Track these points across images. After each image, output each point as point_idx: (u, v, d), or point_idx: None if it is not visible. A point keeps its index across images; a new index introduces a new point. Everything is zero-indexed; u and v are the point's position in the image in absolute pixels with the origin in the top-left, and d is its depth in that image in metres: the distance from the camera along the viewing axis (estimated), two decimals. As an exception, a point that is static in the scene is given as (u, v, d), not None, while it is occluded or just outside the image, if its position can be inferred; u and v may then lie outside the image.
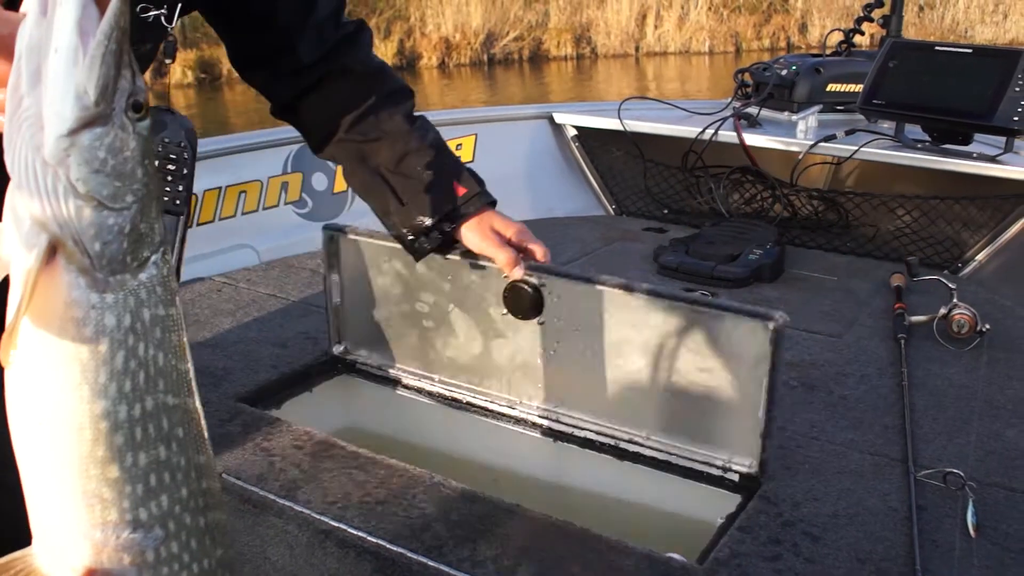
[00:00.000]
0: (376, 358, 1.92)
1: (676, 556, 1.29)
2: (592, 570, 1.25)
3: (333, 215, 2.82)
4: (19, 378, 0.73)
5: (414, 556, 1.27)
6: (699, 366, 1.67)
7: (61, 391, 0.72)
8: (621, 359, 1.73)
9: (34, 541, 0.79)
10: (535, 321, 1.71)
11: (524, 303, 1.68)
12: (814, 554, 1.33)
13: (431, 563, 1.26)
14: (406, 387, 1.88)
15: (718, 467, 1.53)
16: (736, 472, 1.53)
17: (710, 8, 17.24)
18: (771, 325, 1.46)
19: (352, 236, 1.80)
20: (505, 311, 1.70)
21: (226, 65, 10.76)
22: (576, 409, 1.68)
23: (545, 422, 1.73)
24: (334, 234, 1.82)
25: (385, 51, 13.90)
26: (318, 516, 1.37)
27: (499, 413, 1.77)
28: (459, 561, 1.25)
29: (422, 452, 1.88)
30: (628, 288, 1.60)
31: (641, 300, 1.67)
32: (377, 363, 1.92)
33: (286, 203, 2.80)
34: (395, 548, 1.29)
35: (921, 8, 17.00)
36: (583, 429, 1.68)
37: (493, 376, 1.76)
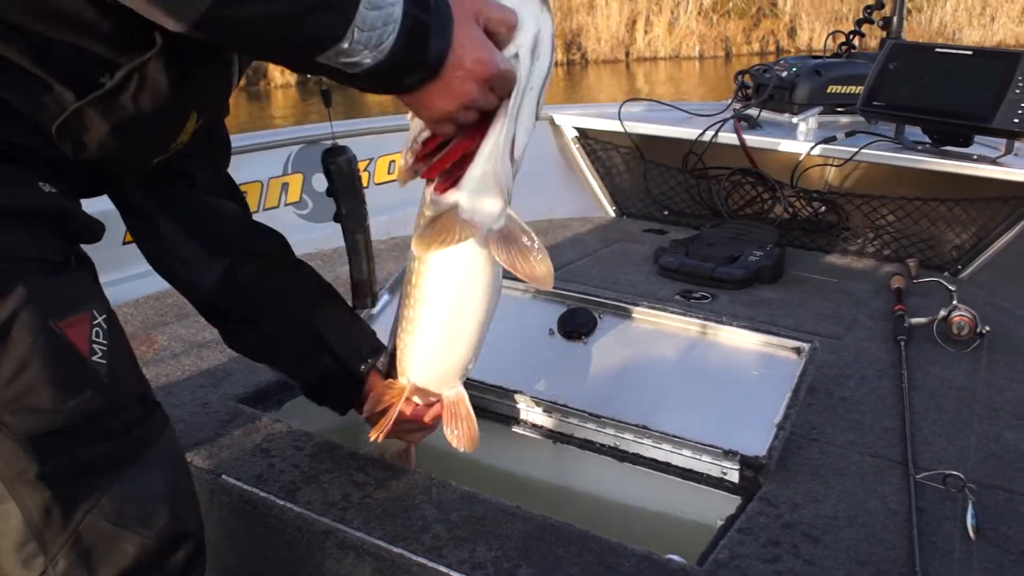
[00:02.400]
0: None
1: (676, 558, 1.29)
2: (591, 572, 1.25)
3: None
4: (449, 268, 1.24)
5: (414, 557, 1.27)
6: (723, 375, 1.70)
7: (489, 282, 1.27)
8: (640, 364, 1.76)
9: (410, 374, 1.33)
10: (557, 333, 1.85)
11: (580, 326, 1.86)
12: (814, 556, 1.33)
13: (431, 564, 1.25)
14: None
15: (723, 455, 1.54)
16: (741, 465, 1.53)
17: (700, 13, 17.27)
18: (806, 349, 1.66)
19: None
20: (553, 331, 1.86)
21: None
22: (577, 410, 1.68)
23: (546, 424, 1.73)
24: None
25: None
26: (318, 517, 1.36)
27: (500, 415, 1.77)
28: (459, 562, 1.25)
29: (422, 453, 1.88)
30: (663, 309, 1.83)
31: (678, 320, 1.75)
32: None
33: (286, 204, 2.80)
34: (395, 549, 1.29)
35: (909, 11, 17.05)
36: (584, 429, 1.69)
37: (495, 379, 1.77)
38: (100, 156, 1.04)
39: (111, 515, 0.99)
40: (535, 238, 1.20)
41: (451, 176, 1.16)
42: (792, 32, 17.53)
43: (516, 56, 1.09)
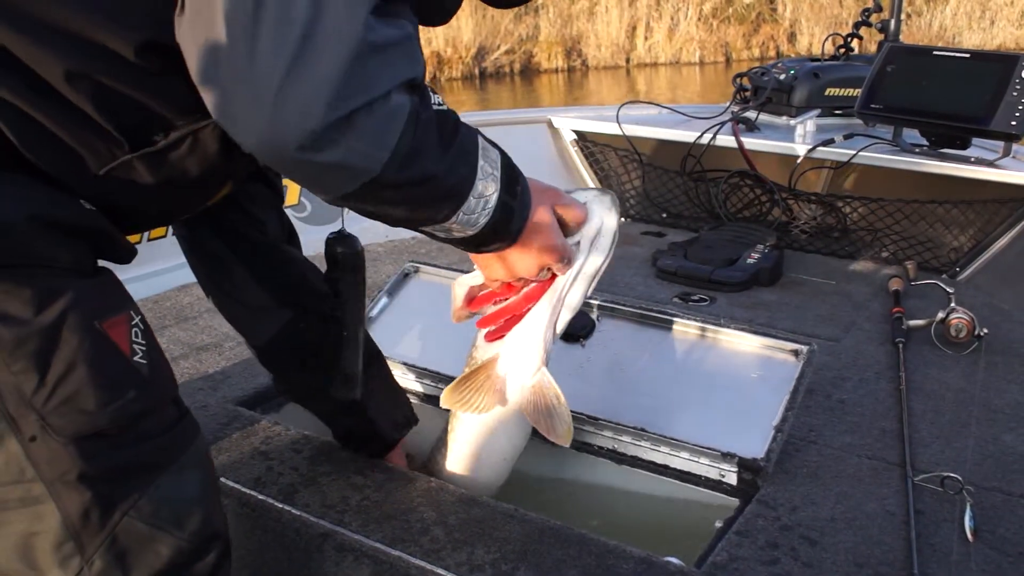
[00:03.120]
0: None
1: (674, 560, 1.29)
2: (590, 574, 1.25)
3: (331, 219, 2.82)
4: None
5: (412, 560, 1.27)
6: (721, 377, 1.70)
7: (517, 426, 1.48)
8: (638, 366, 1.77)
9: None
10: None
11: (578, 328, 1.87)
12: (812, 558, 1.33)
13: (429, 567, 1.26)
14: (405, 391, 1.88)
15: (721, 457, 1.54)
16: (739, 467, 1.53)
17: (700, 19, 17.28)
18: (804, 351, 1.68)
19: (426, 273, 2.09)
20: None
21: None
22: (575, 413, 1.68)
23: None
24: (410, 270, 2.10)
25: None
26: (316, 520, 1.37)
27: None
28: (457, 565, 1.25)
29: (420, 456, 1.89)
30: (662, 312, 1.84)
31: (677, 323, 1.76)
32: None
33: (285, 207, 2.80)
34: (393, 552, 1.29)
35: (908, 15, 17.06)
36: (582, 432, 1.69)
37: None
38: (135, 204, 1.07)
39: (147, 516, 1.00)
40: (563, 402, 1.33)
41: (499, 331, 1.34)
42: (792, 37, 17.53)
43: (577, 244, 1.28)
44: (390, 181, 0.95)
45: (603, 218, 1.31)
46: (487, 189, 1.08)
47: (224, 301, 1.45)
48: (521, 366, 1.34)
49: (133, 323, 1.02)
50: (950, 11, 17.35)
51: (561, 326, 1.35)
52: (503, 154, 1.14)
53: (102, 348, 0.96)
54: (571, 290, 1.31)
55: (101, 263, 1.06)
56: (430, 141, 0.99)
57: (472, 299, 1.37)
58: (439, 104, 1.06)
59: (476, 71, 15.42)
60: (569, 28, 16.53)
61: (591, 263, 1.32)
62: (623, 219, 3.30)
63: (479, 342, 1.39)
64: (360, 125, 0.89)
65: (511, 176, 1.13)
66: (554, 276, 1.29)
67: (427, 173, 1.00)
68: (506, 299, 1.33)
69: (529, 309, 1.32)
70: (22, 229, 0.92)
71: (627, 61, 16.90)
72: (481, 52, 15.43)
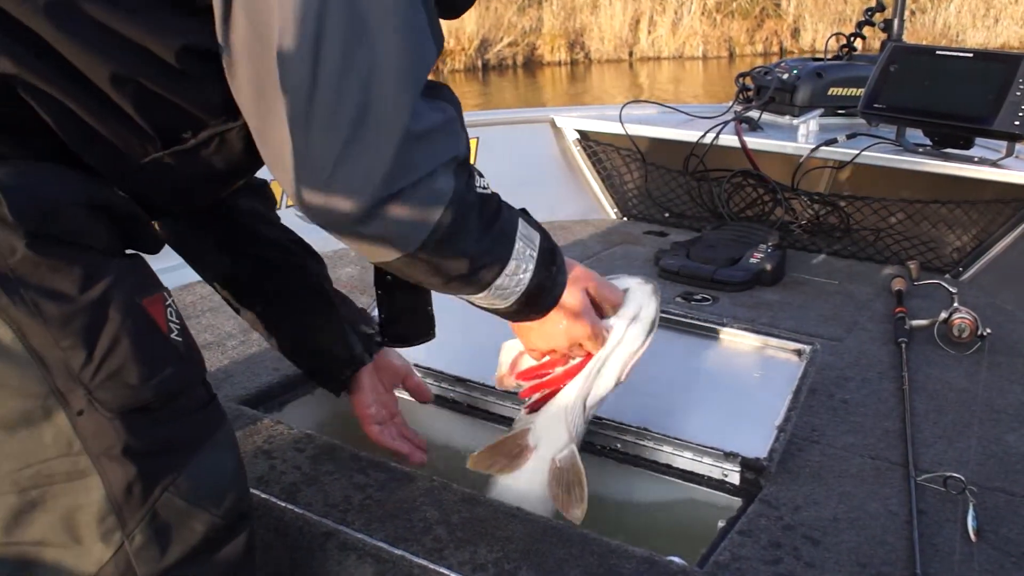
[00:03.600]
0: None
1: (677, 560, 1.29)
2: (592, 573, 1.25)
3: None
4: None
5: (415, 559, 1.27)
6: (724, 377, 1.71)
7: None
8: (641, 366, 1.76)
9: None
10: None
11: None
12: (815, 558, 1.33)
13: (432, 566, 1.26)
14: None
15: (724, 457, 1.54)
16: (742, 467, 1.53)
17: (703, 13, 17.26)
18: (807, 351, 1.69)
19: None
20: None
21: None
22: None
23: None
24: None
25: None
26: (319, 519, 1.37)
27: (500, 416, 1.77)
28: (460, 564, 1.26)
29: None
30: (666, 312, 1.80)
31: (680, 322, 1.75)
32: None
33: (287, 206, 2.80)
34: (396, 551, 1.29)
35: (913, 12, 17.02)
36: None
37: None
38: (161, 195, 1.13)
39: (185, 493, 1.03)
40: (583, 484, 1.38)
41: (537, 404, 1.43)
42: (796, 33, 17.51)
43: (611, 326, 1.36)
44: (425, 257, 1.05)
45: (642, 304, 1.40)
46: (521, 269, 1.18)
47: (181, 248, 1.52)
48: (550, 440, 1.41)
49: (167, 303, 1.06)
50: (954, 9, 17.32)
51: (592, 403, 1.42)
52: (544, 236, 1.23)
53: (143, 325, 1.00)
54: (604, 371, 1.38)
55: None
56: (470, 223, 1.08)
57: (515, 366, 1.47)
58: (484, 188, 1.15)
59: (479, 63, 15.42)
60: (572, 21, 16.54)
61: (626, 346, 1.38)
62: (625, 219, 3.31)
63: (522, 412, 1.47)
64: (402, 205, 0.99)
65: (548, 257, 1.23)
66: (588, 356, 1.37)
67: (462, 253, 1.09)
68: (548, 374, 1.41)
69: (560, 389, 1.40)
70: (72, 210, 0.96)
71: (630, 55, 16.90)
72: (484, 44, 15.43)
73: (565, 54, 16.33)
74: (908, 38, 3.28)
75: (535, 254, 1.20)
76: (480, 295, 1.18)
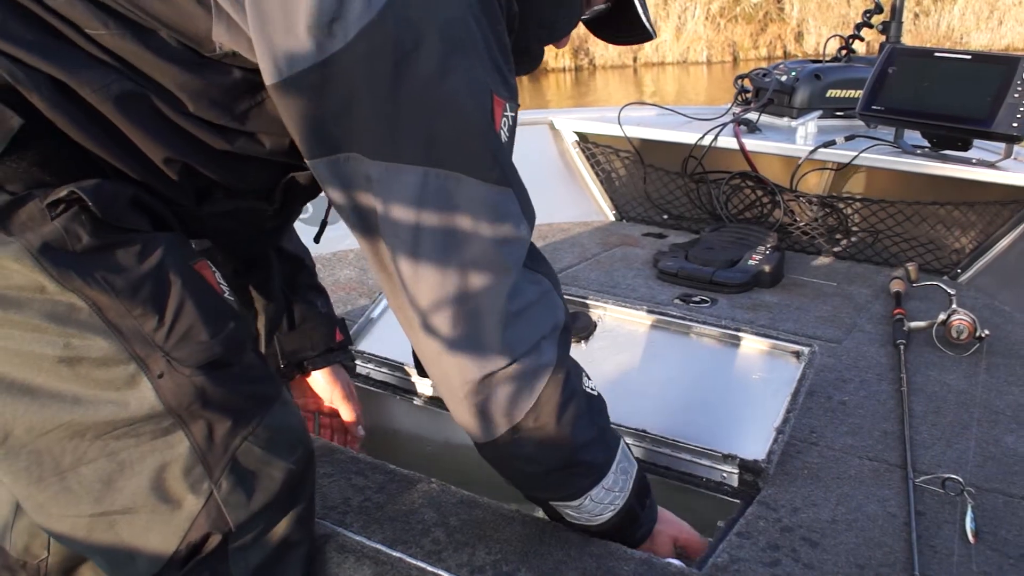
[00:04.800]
0: (377, 363, 1.92)
1: (675, 562, 1.29)
2: None
3: (333, 221, 2.82)
4: None
5: (413, 561, 1.27)
6: (723, 379, 1.70)
7: None
8: (639, 368, 1.76)
9: None
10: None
11: (579, 329, 1.88)
12: (813, 560, 1.33)
13: (430, 568, 1.26)
14: (407, 392, 1.88)
15: (722, 459, 1.54)
16: (740, 469, 1.53)
17: (707, 18, 17.27)
18: (805, 353, 1.68)
19: None
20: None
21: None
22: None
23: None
24: None
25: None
26: (318, 520, 1.37)
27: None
28: (458, 566, 1.26)
29: (422, 457, 1.89)
30: (663, 313, 1.84)
31: (678, 324, 1.75)
32: (378, 368, 1.93)
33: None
34: (394, 553, 1.29)
35: (916, 15, 17.02)
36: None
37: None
38: (205, 233, 1.25)
39: (264, 442, 1.10)
40: None
41: None
42: (799, 36, 17.52)
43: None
44: (528, 433, 1.12)
45: None
46: (617, 486, 1.23)
47: None
48: None
49: (212, 268, 1.12)
50: (958, 11, 17.32)
51: None
52: (639, 469, 1.29)
53: (200, 285, 1.07)
54: None
55: None
56: (577, 405, 1.15)
57: None
58: (592, 388, 1.23)
59: None
60: (577, 27, 16.58)
61: None
62: (624, 221, 3.31)
63: None
64: (510, 376, 1.07)
65: (642, 487, 1.29)
66: None
67: (565, 434, 1.14)
68: None
69: None
70: (123, 201, 1.04)
71: (634, 60, 16.91)
72: None
73: (569, 60, 16.34)
74: (912, 40, 3.29)
75: (631, 479, 1.26)
76: (574, 503, 1.22)
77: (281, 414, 1.14)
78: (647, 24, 1.33)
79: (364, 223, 1.04)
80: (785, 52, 17.35)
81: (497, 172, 1.03)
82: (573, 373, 1.16)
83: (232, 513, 1.07)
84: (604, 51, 16.56)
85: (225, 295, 1.12)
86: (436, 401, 1.84)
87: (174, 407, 1.02)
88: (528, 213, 1.10)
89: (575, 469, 1.18)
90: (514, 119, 1.08)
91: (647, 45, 16.83)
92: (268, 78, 0.99)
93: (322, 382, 1.68)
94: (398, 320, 1.11)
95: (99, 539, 1.04)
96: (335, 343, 1.67)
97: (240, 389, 1.09)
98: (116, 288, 0.99)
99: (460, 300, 1.04)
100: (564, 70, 16.25)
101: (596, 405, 1.22)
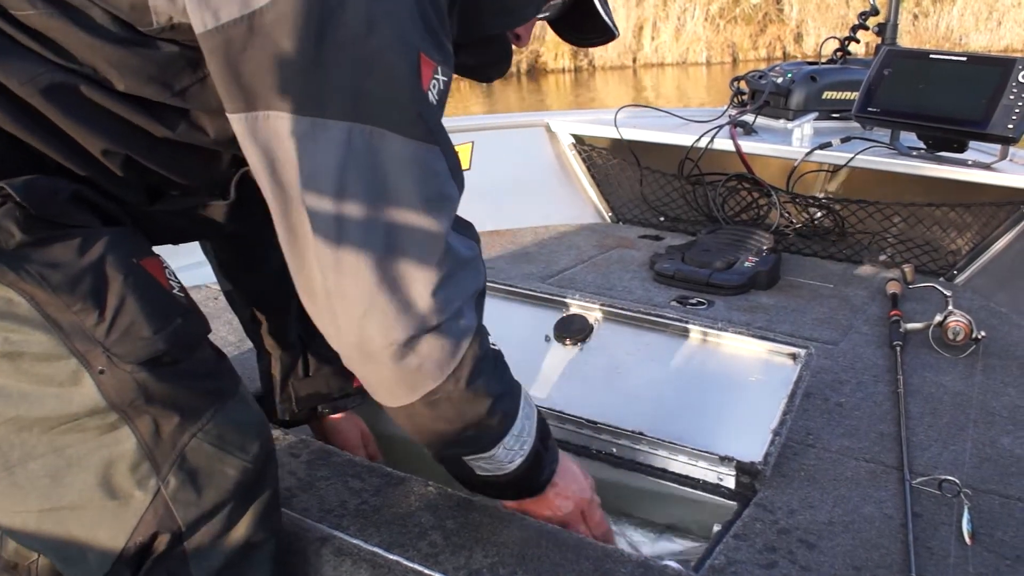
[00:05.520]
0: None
1: (672, 564, 1.29)
2: (588, 578, 1.25)
3: None
4: None
5: (410, 564, 1.27)
6: (719, 381, 1.70)
7: None
8: (636, 370, 1.76)
9: None
10: (553, 338, 1.79)
11: (575, 332, 1.88)
12: (810, 562, 1.33)
13: (427, 571, 1.25)
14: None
15: (719, 461, 1.54)
16: (737, 471, 1.54)
17: (707, 19, 17.29)
18: (802, 354, 1.68)
19: None
20: (550, 336, 1.88)
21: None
22: (573, 416, 1.68)
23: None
24: None
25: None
26: (314, 524, 1.36)
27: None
28: (455, 569, 1.25)
29: (419, 460, 1.88)
30: (659, 315, 1.85)
31: (675, 326, 1.75)
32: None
33: None
34: (391, 556, 1.29)
35: (916, 16, 17.02)
36: (579, 435, 1.69)
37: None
38: (159, 234, 1.21)
39: (215, 439, 1.09)
40: None
41: None
42: (799, 38, 17.52)
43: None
44: (450, 392, 1.11)
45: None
46: (524, 431, 1.23)
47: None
48: None
49: (165, 266, 1.10)
50: (957, 12, 17.32)
51: None
52: (539, 413, 1.29)
53: (145, 280, 1.05)
54: None
55: None
56: (488, 363, 1.15)
57: None
58: (494, 344, 1.21)
59: None
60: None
61: None
62: (620, 223, 3.31)
63: None
64: (436, 338, 1.05)
65: (544, 430, 1.30)
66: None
67: (484, 391, 1.14)
68: None
69: None
70: (62, 197, 1.02)
71: (634, 61, 16.92)
72: None
73: (569, 61, 16.34)
74: (912, 42, 3.30)
75: (534, 424, 1.26)
76: (486, 454, 1.21)
77: (236, 411, 1.12)
78: (608, 22, 1.33)
79: (279, 183, 1.00)
80: (784, 53, 17.37)
81: (422, 129, 1.01)
82: (485, 333, 1.17)
83: (181, 511, 1.07)
84: (603, 52, 16.56)
85: (174, 291, 1.09)
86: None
87: (117, 403, 1.01)
88: (457, 175, 1.08)
89: (489, 421, 1.17)
90: (446, 84, 1.06)
91: (647, 46, 16.87)
92: (197, 27, 0.97)
93: (336, 427, 1.69)
94: (300, 288, 1.07)
95: (50, 535, 1.04)
96: (352, 389, 1.66)
97: (188, 385, 1.07)
98: (52, 283, 0.98)
99: (387, 260, 1.01)
100: (564, 71, 16.27)
101: (500, 359, 1.22)
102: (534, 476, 1.30)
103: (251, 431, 1.14)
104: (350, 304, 1.02)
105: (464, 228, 1.13)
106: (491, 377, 1.16)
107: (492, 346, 1.21)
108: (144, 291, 1.03)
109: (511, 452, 1.23)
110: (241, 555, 1.14)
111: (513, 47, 1.32)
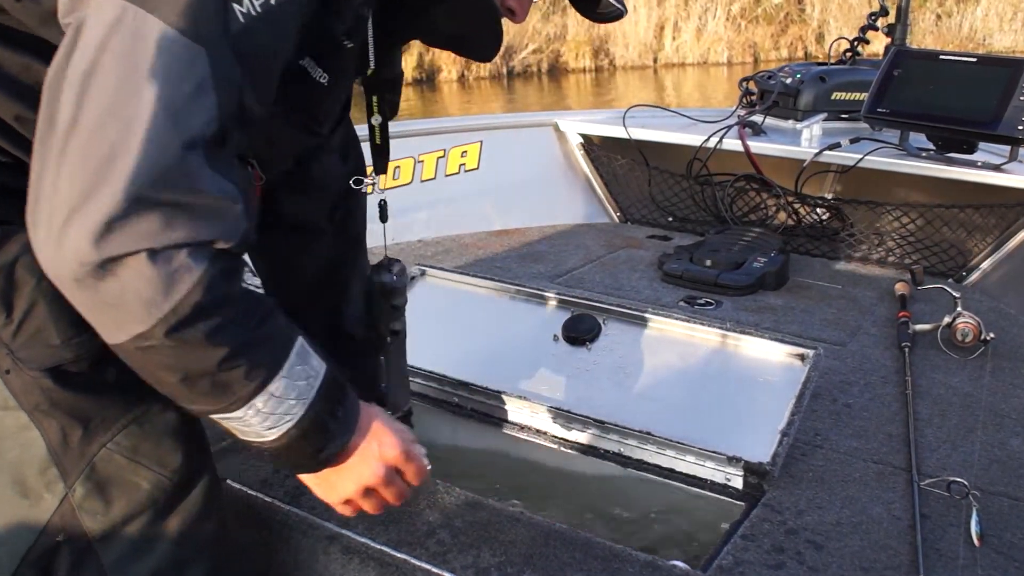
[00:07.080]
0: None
1: (680, 564, 1.29)
2: (595, 577, 1.25)
3: None
4: None
5: (418, 563, 1.27)
6: (727, 381, 1.70)
7: None
8: (644, 370, 1.77)
9: None
10: (561, 338, 1.80)
11: (584, 332, 1.88)
12: (817, 562, 1.33)
13: (434, 570, 1.26)
14: (411, 393, 1.88)
15: (727, 461, 1.54)
16: (745, 471, 1.53)
17: (728, 19, 17.24)
18: (810, 355, 1.68)
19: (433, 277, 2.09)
20: (558, 336, 1.88)
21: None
22: (581, 416, 1.69)
23: (549, 429, 1.73)
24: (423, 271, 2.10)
25: (404, 65, 13.90)
26: (323, 522, 1.37)
27: (503, 420, 1.77)
28: (463, 568, 1.26)
29: (429, 459, 1.89)
30: (668, 315, 1.84)
31: (683, 326, 1.76)
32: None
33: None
34: (399, 555, 1.29)
35: (939, 16, 16.91)
36: (588, 435, 1.69)
37: (499, 384, 1.77)
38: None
39: (126, 451, 1.06)
40: None
41: None
42: (820, 38, 17.41)
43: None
44: (161, 338, 0.91)
45: None
46: (291, 393, 1.01)
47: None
48: None
49: None
50: (981, 12, 17.19)
51: None
52: (330, 368, 1.07)
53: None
54: None
55: None
56: (223, 312, 0.95)
57: None
58: (255, 287, 1.04)
59: (503, 70, 15.45)
60: (597, 27, 16.53)
61: None
62: (628, 223, 3.31)
63: None
64: (141, 267, 0.88)
65: (334, 393, 1.07)
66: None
67: (211, 341, 0.94)
68: None
69: None
70: None
71: (655, 61, 16.89)
72: (508, 51, 15.42)
73: (590, 61, 16.32)
74: (935, 43, 3.29)
75: (313, 387, 1.04)
76: (237, 414, 0.99)
77: (153, 421, 1.08)
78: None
79: (55, 64, 0.90)
80: (806, 53, 17.25)
81: (194, 27, 0.89)
82: (229, 284, 0.97)
83: (89, 520, 1.05)
84: (624, 52, 16.52)
85: None
86: (442, 403, 1.84)
87: (24, 405, 1.01)
88: (222, 91, 0.92)
89: (225, 376, 0.97)
90: (263, 8, 0.94)
91: (667, 46, 16.81)
92: None
93: None
94: (31, 187, 0.91)
95: None
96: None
97: (99, 396, 1.05)
98: None
99: (108, 163, 0.86)
100: (584, 71, 16.25)
101: (262, 306, 1.02)
102: (318, 446, 1.07)
103: (171, 442, 1.10)
104: (59, 203, 0.87)
105: (227, 169, 0.95)
106: (229, 324, 0.95)
107: (250, 288, 1.02)
108: (57, 298, 0.94)
109: (272, 416, 1.01)
110: (173, 573, 1.10)
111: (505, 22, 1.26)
